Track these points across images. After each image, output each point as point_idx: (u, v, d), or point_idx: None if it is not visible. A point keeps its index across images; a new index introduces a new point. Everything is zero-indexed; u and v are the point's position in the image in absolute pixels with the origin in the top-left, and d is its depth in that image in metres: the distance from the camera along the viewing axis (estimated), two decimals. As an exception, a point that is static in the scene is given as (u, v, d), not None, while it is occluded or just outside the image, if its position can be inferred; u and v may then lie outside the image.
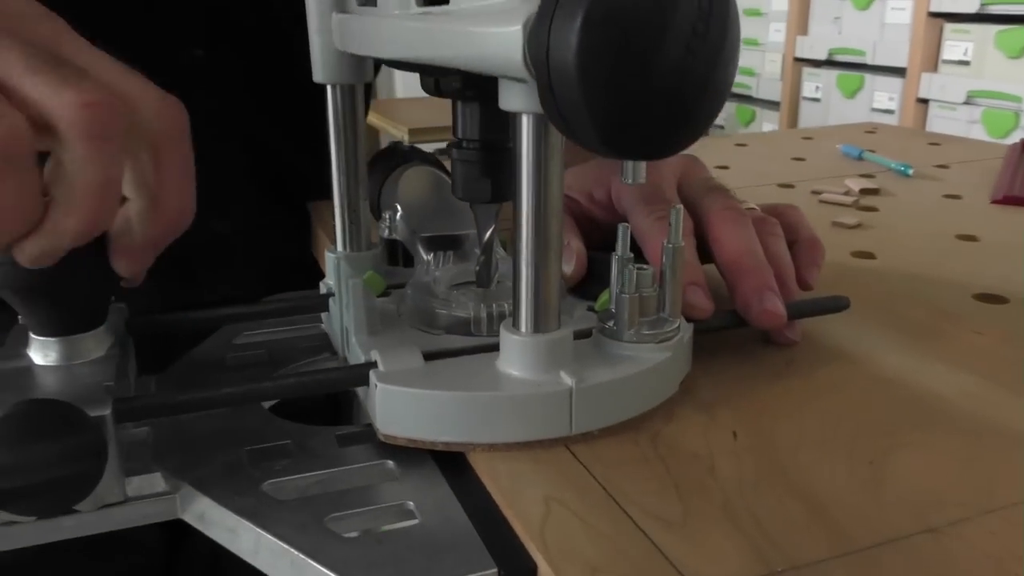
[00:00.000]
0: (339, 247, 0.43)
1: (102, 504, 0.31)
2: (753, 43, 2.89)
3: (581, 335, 0.36)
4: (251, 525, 0.29)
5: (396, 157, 0.50)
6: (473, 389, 0.32)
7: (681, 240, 0.35)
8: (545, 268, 0.32)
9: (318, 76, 0.40)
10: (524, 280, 0.32)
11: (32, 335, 0.33)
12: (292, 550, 0.28)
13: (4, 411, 0.27)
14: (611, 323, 0.36)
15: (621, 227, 0.36)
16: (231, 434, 0.35)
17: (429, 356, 0.34)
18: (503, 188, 0.38)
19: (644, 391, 0.34)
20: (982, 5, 1.97)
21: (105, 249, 0.32)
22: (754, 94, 2.89)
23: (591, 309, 0.40)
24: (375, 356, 0.34)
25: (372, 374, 0.33)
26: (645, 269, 0.35)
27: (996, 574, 0.26)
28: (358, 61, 0.40)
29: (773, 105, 2.81)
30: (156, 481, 0.32)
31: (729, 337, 0.43)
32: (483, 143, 0.37)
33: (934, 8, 2.09)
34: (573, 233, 0.43)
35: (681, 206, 0.35)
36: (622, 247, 0.36)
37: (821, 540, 0.28)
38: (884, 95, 2.29)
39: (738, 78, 2.85)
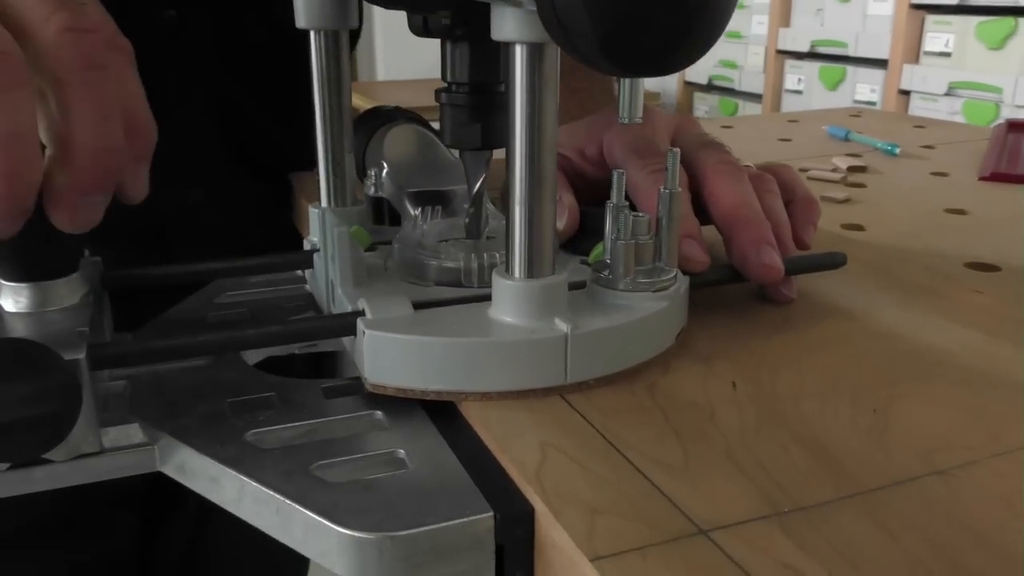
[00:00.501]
0: (323, 202, 0.42)
1: (77, 454, 0.29)
2: (736, 36, 2.89)
3: (575, 287, 0.35)
4: (235, 473, 0.28)
5: (380, 117, 0.49)
6: (464, 335, 0.31)
7: (678, 186, 0.34)
8: (539, 208, 0.31)
9: (301, 22, 0.39)
10: (517, 221, 0.31)
11: (2, 281, 0.32)
12: (278, 496, 0.27)
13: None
14: (606, 272, 0.34)
15: (616, 173, 0.35)
16: (212, 386, 0.34)
17: (419, 306, 0.33)
18: (494, 134, 0.36)
19: (641, 340, 0.33)
20: (963, -4, 1.98)
21: None
22: (736, 86, 2.89)
23: (584, 263, 0.39)
24: (362, 305, 0.33)
25: (360, 322, 0.32)
26: (641, 216, 0.34)
27: (1005, 512, 0.25)
28: (342, 5, 0.39)
29: (756, 97, 2.82)
30: (134, 432, 0.31)
31: (725, 293, 0.42)
32: (472, 86, 0.36)
33: (916, 0, 2.10)
34: (565, 188, 0.42)
35: (677, 150, 0.34)
36: (617, 195, 0.34)
37: (827, 483, 0.27)
38: (866, 87, 2.30)
39: (720, 71, 2.86)
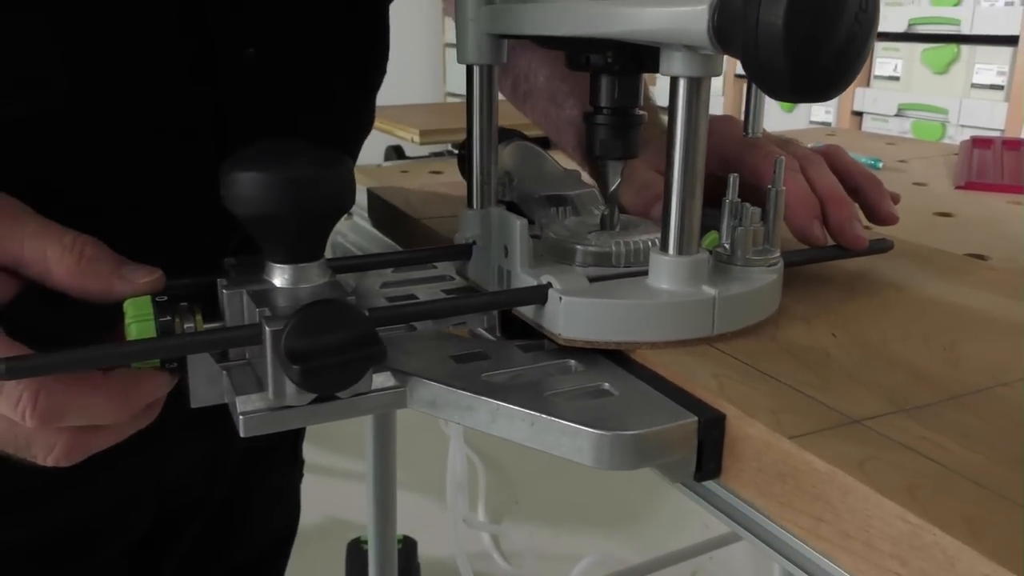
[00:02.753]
0: (475, 204, 0.51)
1: (356, 392, 0.38)
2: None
3: (699, 265, 0.45)
4: (487, 399, 0.37)
5: (499, 135, 0.58)
6: (636, 299, 0.41)
7: (782, 185, 0.45)
8: (692, 200, 0.41)
9: (467, 59, 0.48)
10: (674, 210, 0.41)
11: (271, 263, 0.40)
12: (532, 412, 0.36)
13: (301, 309, 0.35)
14: (727, 252, 0.44)
15: (731, 177, 0.45)
16: (431, 346, 0.42)
17: (597, 280, 0.43)
18: (631, 147, 0.46)
19: (761, 303, 0.43)
20: (910, 25, 2.15)
21: None
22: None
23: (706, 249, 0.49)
24: (547, 279, 0.42)
25: (552, 291, 0.41)
26: (755, 208, 0.44)
27: (1060, 405, 0.36)
28: (498, 44, 0.48)
29: (714, 120, 2.97)
30: (388, 378, 0.39)
31: (790, 275, 0.52)
32: (615, 110, 0.46)
33: (865, 28, 2.27)
34: None
35: (783, 156, 0.44)
36: (732, 192, 0.44)
37: (928, 392, 0.37)
38: (821, 108, 2.46)
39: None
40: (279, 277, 0.40)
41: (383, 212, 0.75)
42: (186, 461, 0.66)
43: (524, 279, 0.44)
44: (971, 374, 0.39)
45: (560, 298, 0.41)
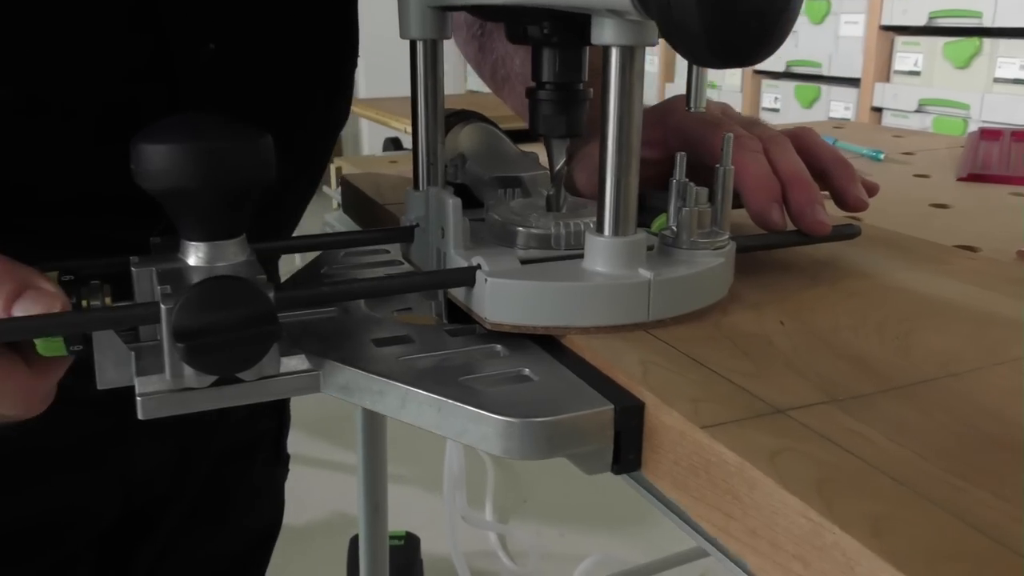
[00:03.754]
0: (421, 185, 0.49)
1: (262, 375, 0.36)
2: (714, 57, 3.01)
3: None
4: (398, 384, 0.35)
5: (454, 116, 0.56)
6: (565, 281, 0.38)
7: (731, 164, 0.42)
8: (627, 178, 0.38)
9: (408, 33, 0.46)
10: (608, 188, 0.39)
11: (186, 241, 0.39)
12: (439, 398, 0.34)
13: (194, 285, 0.33)
14: (673, 234, 0.42)
15: (679, 156, 0.42)
16: (355, 329, 0.41)
17: (521, 262, 0.41)
18: (575, 124, 0.44)
19: (704, 288, 0.41)
20: (930, 18, 2.10)
21: None
22: (715, 106, 3.00)
23: (647, 232, 0.46)
24: (478, 260, 0.40)
25: (479, 272, 0.39)
26: (701, 189, 0.42)
27: (1009, 398, 0.33)
28: (441, 18, 0.46)
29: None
30: (302, 360, 0.38)
31: (758, 260, 0.50)
32: (558, 85, 0.44)
33: (885, 22, 2.22)
34: None
35: (731, 134, 0.42)
36: (680, 172, 0.42)
37: (869, 382, 0.34)
38: (840, 104, 2.41)
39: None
40: (193, 255, 0.39)
41: (354, 198, 0.74)
42: (153, 457, 0.65)
43: (457, 261, 0.42)
44: (920, 364, 0.36)
45: (486, 280, 0.39)
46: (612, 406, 0.33)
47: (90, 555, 0.66)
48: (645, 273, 0.39)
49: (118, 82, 0.49)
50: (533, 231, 0.44)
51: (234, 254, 0.39)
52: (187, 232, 0.39)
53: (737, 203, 0.50)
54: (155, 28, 0.50)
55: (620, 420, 0.33)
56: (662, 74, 3.25)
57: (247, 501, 0.79)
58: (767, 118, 2.64)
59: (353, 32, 0.64)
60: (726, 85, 2.95)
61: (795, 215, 0.48)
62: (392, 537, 1.71)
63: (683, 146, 0.50)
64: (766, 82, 2.78)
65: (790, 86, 2.64)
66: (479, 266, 0.40)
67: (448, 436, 0.34)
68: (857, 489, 0.26)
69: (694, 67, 0.42)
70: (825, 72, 2.48)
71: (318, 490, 2.02)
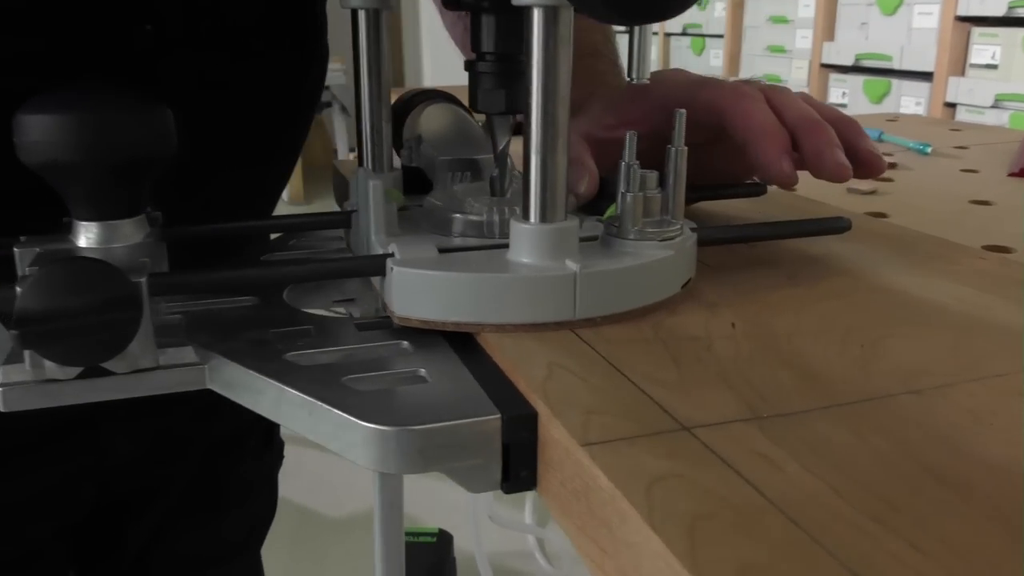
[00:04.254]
0: (367, 168, 0.45)
1: (136, 368, 0.33)
2: (779, 50, 2.90)
3: (589, 240, 0.38)
4: (275, 383, 0.31)
5: (419, 96, 0.52)
6: (480, 272, 0.34)
7: (683, 144, 0.37)
8: (553, 157, 0.34)
9: (349, 2, 0.43)
10: (533, 169, 0.34)
11: (76, 220, 0.36)
12: (310, 399, 0.30)
13: (43, 267, 0.30)
14: (617, 223, 0.37)
15: (628, 135, 0.38)
16: (258, 320, 0.37)
17: (443, 251, 0.37)
18: (517, 99, 0.40)
19: (645, 284, 0.36)
20: (1010, 8, 1.97)
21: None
22: (781, 101, 2.89)
23: (600, 221, 0.42)
24: (392, 248, 0.36)
25: (388, 260, 0.35)
26: (649, 172, 0.37)
27: (971, 422, 0.27)
28: (383, -14, 0.43)
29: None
30: (187, 353, 0.34)
31: (734, 255, 0.45)
32: (498, 56, 0.39)
33: (961, 12, 2.09)
34: (589, 155, 0.45)
35: (683, 111, 0.37)
36: (629, 154, 0.37)
37: (808, 397, 0.29)
38: (911, 99, 2.29)
39: (766, 85, 2.89)
40: (84, 236, 0.36)
41: (341, 187, 0.70)
42: (128, 447, 0.63)
43: (377, 248, 0.38)
44: (878, 378, 0.31)
45: (392, 269, 0.35)
46: (499, 415, 0.29)
47: (60, 546, 0.65)
48: (571, 265, 0.34)
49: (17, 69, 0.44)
50: (471, 218, 0.40)
51: (129, 234, 0.37)
52: (77, 210, 0.36)
53: (727, 189, 0.45)
54: (79, 8, 0.45)
55: (509, 432, 0.29)
56: (726, 68, 3.15)
57: (239, 490, 0.77)
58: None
59: (314, 30, 0.59)
60: (792, 80, 2.84)
61: (811, 160, 0.42)
62: (424, 534, 1.68)
63: (668, 118, 0.46)
64: (833, 76, 2.66)
65: (859, 80, 2.52)
66: (392, 254, 0.36)
67: (320, 442, 0.30)
68: (739, 530, 0.22)
69: (634, 31, 0.37)
70: (896, 66, 2.36)
71: (359, 482, 2.02)
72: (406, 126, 0.51)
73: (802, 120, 0.43)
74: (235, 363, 0.33)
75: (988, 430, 0.27)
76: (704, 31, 3.35)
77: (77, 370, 0.32)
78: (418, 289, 0.34)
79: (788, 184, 0.43)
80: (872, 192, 0.77)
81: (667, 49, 3.59)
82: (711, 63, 3.30)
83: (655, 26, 3.31)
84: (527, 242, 0.35)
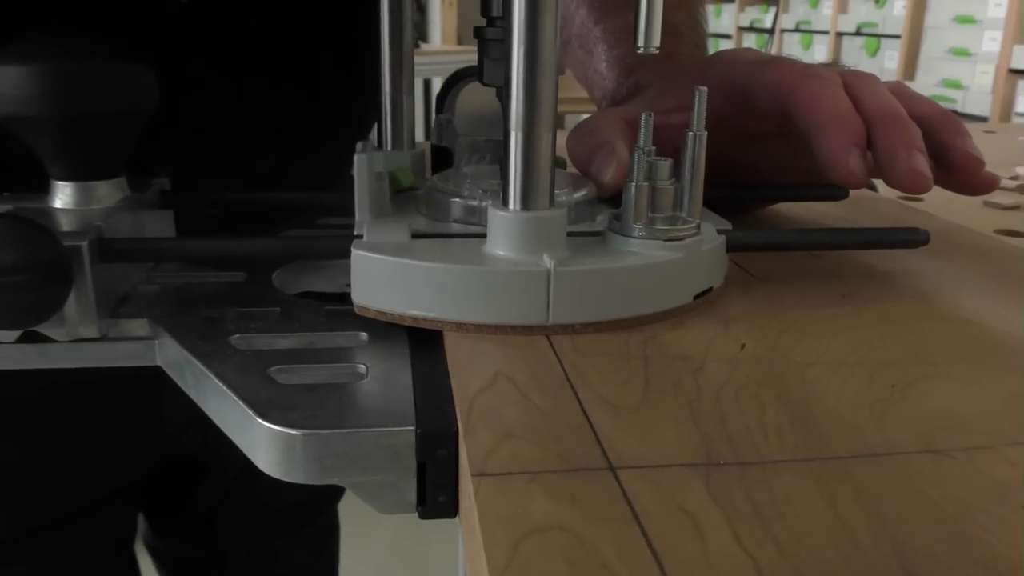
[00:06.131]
0: (386, 144, 0.42)
1: (77, 337, 0.31)
2: (963, 53, 2.65)
3: (593, 235, 0.33)
4: (199, 364, 0.29)
5: (463, 73, 0.48)
6: (443, 263, 0.30)
7: (704, 128, 0.32)
8: (535, 136, 0.30)
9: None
10: (513, 149, 0.30)
11: (54, 181, 0.35)
12: (222, 386, 0.27)
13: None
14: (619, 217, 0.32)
15: (644, 115, 0.32)
16: (229, 298, 0.35)
17: (422, 236, 0.33)
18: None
19: (639, 289, 0.31)
20: None
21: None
22: (959, 108, 2.65)
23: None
24: (363, 230, 0.33)
25: (354, 243, 0.32)
26: (662, 161, 0.32)
27: (995, 501, 0.21)
28: (406, -51, 0.39)
29: (980, 121, 2.56)
30: (141, 326, 0.32)
31: (789, 264, 0.38)
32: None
33: None
34: (622, 139, 0.39)
35: (704, 88, 0.31)
36: (644, 137, 0.32)
37: (788, 445, 0.23)
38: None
39: (943, 91, 2.64)
40: (59, 197, 0.35)
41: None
42: (187, 411, 0.63)
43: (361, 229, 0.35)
44: (895, 428, 0.24)
45: (352, 252, 0.31)
46: (412, 428, 0.25)
47: (125, 504, 0.66)
48: (547, 261, 0.30)
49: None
50: (469, 203, 0.36)
51: (105, 196, 0.35)
52: (50, 169, 0.35)
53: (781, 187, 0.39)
54: None
55: (424, 449, 0.25)
56: (901, 71, 2.92)
57: None
58: (1021, 124, 2.29)
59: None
60: (975, 86, 2.59)
61: (883, 162, 0.35)
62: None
63: (728, 101, 0.40)
64: (1023, 83, 2.40)
65: (1051, 88, 2.26)
66: (362, 236, 0.32)
67: (231, 437, 0.27)
68: (601, 611, 0.17)
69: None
70: (1097, 72, 2.09)
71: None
72: (446, 104, 0.48)
73: (882, 113, 0.36)
74: (173, 340, 0.31)
75: (1015, 516, 0.20)
76: (880, 31, 3.12)
77: (16, 334, 0.31)
78: (376, 277, 0.31)
79: (855, 184, 0.36)
80: (1013, 207, 0.66)
81: (838, 49, 3.37)
82: (885, 65, 3.07)
83: (825, 24, 3.11)
84: (503, 232, 0.31)
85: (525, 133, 0.30)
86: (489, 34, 0.36)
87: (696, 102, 0.31)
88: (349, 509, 0.77)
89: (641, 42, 0.30)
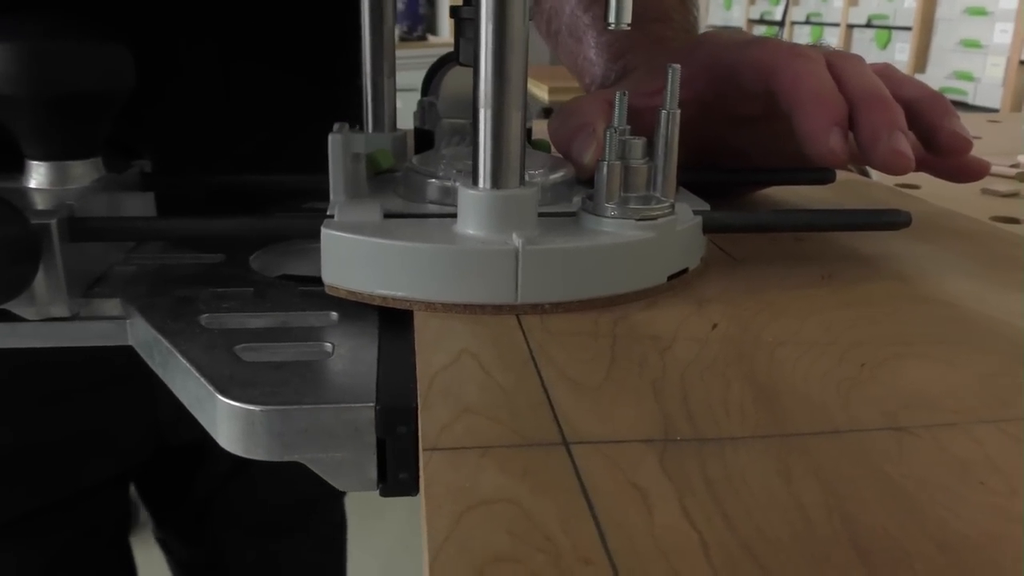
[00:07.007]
0: (367, 127, 0.42)
1: (47, 316, 0.31)
2: (974, 44, 2.63)
3: (567, 215, 0.33)
4: (166, 343, 0.29)
5: (445, 58, 0.48)
6: (411, 242, 0.30)
7: (676, 107, 0.31)
8: (506, 113, 0.29)
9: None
10: (482, 126, 0.30)
11: (29, 160, 0.35)
12: (186, 363, 0.27)
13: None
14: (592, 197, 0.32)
15: (618, 95, 0.32)
16: (204, 279, 0.35)
17: (395, 216, 0.33)
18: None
19: (610, 269, 0.30)
20: None
21: None
22: (970, 100, 2.62)
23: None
24: (335, 209, 0.32)
25: (324, 222, 0.31)
26: (636, 139, 0.32)
27: (956, 479, 0.20)
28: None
29: (992, 113, 2.54)
30: (114, 306, 0.32)
31: (774, 246, 0.38)
32: None
33: None
34: (604, 121, 0.39)
35: (678, 66, 0.31)
36: (619, 114, 0.32)
37: (751, 421, 0.23)
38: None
39: (953, 83, 2.62)
40: (34, 176, 0.35)
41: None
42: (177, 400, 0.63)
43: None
44: (860, 406, 0.24)
45: (322, 231, 0.31)
46: (372, 404, 0.25)
47: (118, 492, 0.67)
48: (515, 239, 0.29)
49: None
50: (445, 184, 0.35)
51: (80, 176, 0.35)
52: (26, 149, 0.34)
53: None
54: None
55: (384, 425, 0.25)
56: (912, 64, 2.89)
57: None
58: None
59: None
60: (985, 78, 2.56)
61: (864, 143, 0.35)
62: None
63: (714, 83, 0.40)
64: (1035, 75, 2.38)
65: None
66: (333, 215, 0.32)
67: (193, 413, 0.27)
68: (538, 582, 0.16)
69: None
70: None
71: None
72: (431, 88, 0.47)
73: (865, 93, 0.36)
74: (143, 319, 0.31)
75: (974, 493, 0.20)
76: (891, 23, 3.09)
77: (-16, 313, 0.31)
78: (345, 256, 0.31)
79: (834, 164, 0.35)
80: (1011, 195, 0.66)
81: (848, 41, 3.35)
82: (895, 57, 3.04)
83: (836, 16, 3.07)
84: (472, 211, 0.30)
85: (495, 111, 0.29)
86: (464, 13, 0.35)
87: (669, 80, 0.31)
88: (355, 502, 0.77)
89: (612, 18, 0.29)
